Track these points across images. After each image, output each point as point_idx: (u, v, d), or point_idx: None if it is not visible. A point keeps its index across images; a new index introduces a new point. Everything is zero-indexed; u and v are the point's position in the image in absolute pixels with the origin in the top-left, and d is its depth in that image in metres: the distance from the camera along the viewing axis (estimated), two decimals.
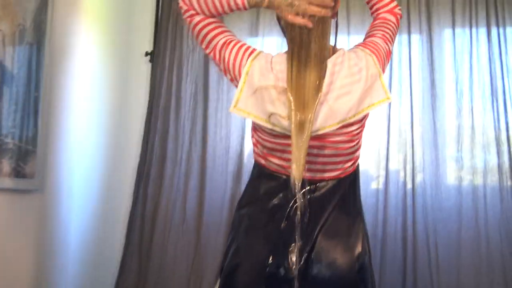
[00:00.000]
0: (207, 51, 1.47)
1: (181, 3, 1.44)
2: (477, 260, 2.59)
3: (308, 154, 1.34)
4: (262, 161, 1.48)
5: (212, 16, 1.44)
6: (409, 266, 2.62)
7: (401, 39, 2.82)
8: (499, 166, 2.65)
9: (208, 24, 1.43)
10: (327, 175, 1.43)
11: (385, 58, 1.47)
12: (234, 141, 2.90)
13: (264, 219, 1.43)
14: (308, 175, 1.40)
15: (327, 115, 1.32)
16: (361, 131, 1.46)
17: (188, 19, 1.45)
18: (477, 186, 2.66)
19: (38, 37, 2.44)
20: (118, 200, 3.13)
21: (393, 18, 1.58)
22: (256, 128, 1.47)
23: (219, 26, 1.45)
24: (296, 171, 1.31)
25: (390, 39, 1.53)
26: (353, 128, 1.40)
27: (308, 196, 1.40)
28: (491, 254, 2.58)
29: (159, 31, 3.04)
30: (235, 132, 2.91)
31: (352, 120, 1.34)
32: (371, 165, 2.77)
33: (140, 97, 3.14)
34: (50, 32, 2.50)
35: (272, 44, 2.96)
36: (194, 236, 2.85)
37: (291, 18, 1.31)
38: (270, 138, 1.42)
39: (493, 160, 2.67)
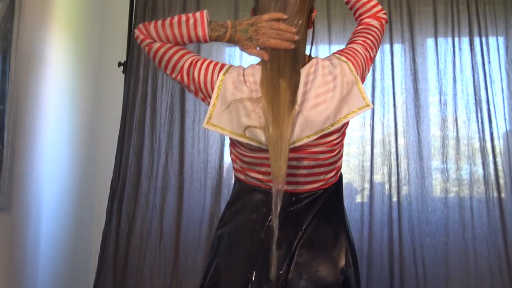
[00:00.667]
0: (173, 75, 1.42)
1: (137, 33, 1.41)
2: (465, 273, 2.54)
3: (288, 167, 1.30)
4: (242, 176, 1.44)
5: (168, 42, 1.40)
6: (396, 282, 2.56)
7: (384, 48, 2.78)
8: (485, 178, 2.62)
9: (169, 48, 1.39)
10: (309, 187, 1.39)
11: (364, 65, 1.43)
12: (212, 154, 2.81)
13: (244, 235, 1.39)
14: (289, 188, 1.36)
15: (303, 126, 1.28)
16: (342, 140, 1.43)
17: (147, 47, 1.41)
18: (463, 198, 2.62)
19: (4, 47, 2.32)
20: (91, 218, 3.01)
21: (376, 23, 1.52)
22: (234, 143, 1.43)
23: (181, 49, 1.41)
24: (276, 185, 1.28)
25: (371, 46, 1.48)
26: (333, 138, 1.36)
27: (290, 209, 1.36)
28: (479, 268, 2.54)
29: (132, 40, 2.93)
30: (213, 145, 2.82)
31: (330, 130, 1.30)
32: (355, 178, 2.72)
33: (114, 109, 3.03)
34: (17, 42, 2.38)
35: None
36: (171, 254, 2.74)
37: (249, 51, 1.33)
38: (248, 152, 1.38)
39: (478, 171, 2.64)
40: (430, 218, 2.61)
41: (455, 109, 2.72)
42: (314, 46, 2.81)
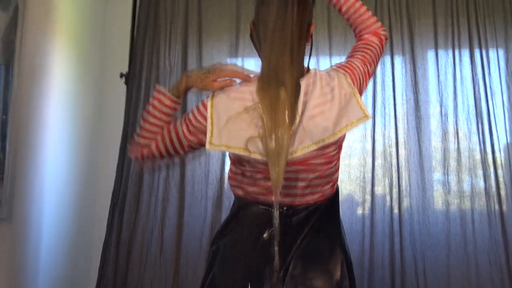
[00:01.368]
0: (184, 148, 1.42)
1: (132, 155, 1.45)
2: (466, 286, 2.52)
3: (287, 179, 1.30)
4: (240, 192, 1.44)
5: (158, 133, 1.43)
6: None
7: (384, 60, 2.79)
8: (486, 190, 2.61)
9: (162, 136, 1.42)
10: (306, 199, 1.39)
11: (361, 79, 1.43)
12: (214, 165, 2.80)
13: (241, 247, 1.38)
14: (286, 200, 1.36)
15: (302, 136, 1.28)
16: (338, 152, 1.43)
17: (149, 155, 1.43)
18: (464, 211, 2.61)
19: (7, 58, 2.33)
20: (91, 229, 3.00)
21: (375, 40, 1.53)
22: (235, 160, 1.43)
23: (167, 127, 1.43)
24: (275, 197, 1.27)
25: (370, 61, 1.49)
26: (330, 150, 1.36)
27: (287, 221, 1.35)
28: (481, 281, 2.52)
29: (134, 52, 2.93)
30: (215, 156, 2.81)
31: (331, 141, 1.29)
32: (356, 190, 2.71)
33: (116, 120, 3.03)
34: (20, 52, 2.39)
35: (251, 65, 2.89)
36: (172, 266, 2.72)
37: (210, 84, 1.38)
38: (249, 167, 1.37)
39: (480, 184, 2.63)
40: (431, 231, 2.60)
41: (456, 121, 2.72)
42: (315, 58, 2.83)
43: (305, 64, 1.45)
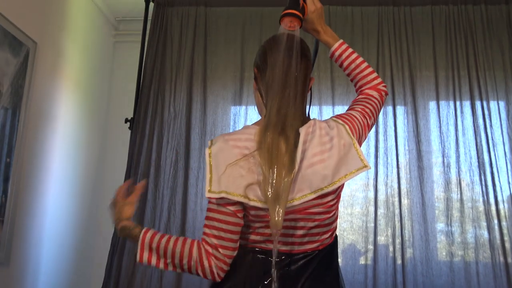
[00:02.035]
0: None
1: (140, 261, 1.36)
2: None
3: (285, 227, 1.28)
4: (240, 241, 1.40)
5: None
6: None
7: (387, 110, 2.82)
8: (490, 242, 2.57)
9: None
10: (304, 247, 1.36)
11: (360, 131, 1.44)
12: None
13: None
14: (285, 248, 1.33)
15: (300, 185, 1.27)
16: (337, 202, 1.41)
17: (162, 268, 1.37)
18: (469, 263, 2.57)
19: (15, 102, 2.37)
20: (90, 273, 2.96)
21: (376, 94, 1.56)
22: None
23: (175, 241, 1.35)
24: (274, 245, 1.26)
25: (370, 114, 1.50)
26: (329, 199, 1.33)
27: (285, 269, 1.32)
28: None
29: (140, 98, 2.98)
30: None
31: (329, 190, 1.28)
32: (359, 239, 2.68)
33: (119, 164, 3.04)
34: (28, 97, 2.44)
35: (255, 113, 2.92)
36: None
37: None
38: (249, 216, 1.34)
39: (484, 235, 2.60)
40: (435, 283, 2.54)
41: (459, 172, 2.71)
42: (318, 107, 2.87)
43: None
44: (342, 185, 1.36)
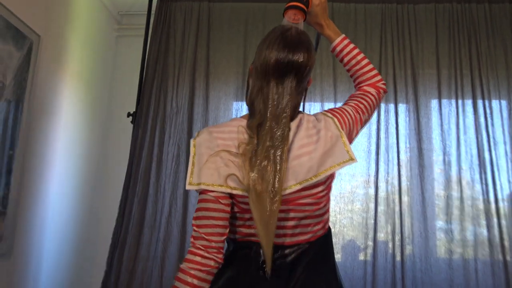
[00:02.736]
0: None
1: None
2: None
3: (277, 219, 1.27)
4: (231, 235, 1.41)
5: None
6: None
7: (388, 107, 2.83)
8: (490, 240, 2.59)
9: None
10: (296, 239, 1.36)
11: (351, 125, 1.44)
12: None
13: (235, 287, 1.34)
14: (278, 240, 1.33)
15: (286, 176, 1.27)
16: (327, 193, 1.41)
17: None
18: (467, 260, 2.58)
19: (18, 95, 2.37)
20: (91, 267, 2.97)
21: (373, 91, 1.55)
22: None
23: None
24: (265, 238, 1.23)
25: (364, 110, 1.50)
26: (318, 190, 1.34)
27: (279, 262, 1.33)
28: None
29: (142, 92, 2.99)
30: None
31: (314, 181, 1.28)
32: (359, 236, 2.69)
33: (121, 158, 3.06)
34: (31, 90, 2.44)
35: None
36: None
37: None
38: (235, 208, 1.35)
39: (483, 233, 2.61)
40: (434, 279, 2.56)
41: (459, 170, 2.72)
42: (320, 103, 2.88)
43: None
44: (332, 177, 1.37)
